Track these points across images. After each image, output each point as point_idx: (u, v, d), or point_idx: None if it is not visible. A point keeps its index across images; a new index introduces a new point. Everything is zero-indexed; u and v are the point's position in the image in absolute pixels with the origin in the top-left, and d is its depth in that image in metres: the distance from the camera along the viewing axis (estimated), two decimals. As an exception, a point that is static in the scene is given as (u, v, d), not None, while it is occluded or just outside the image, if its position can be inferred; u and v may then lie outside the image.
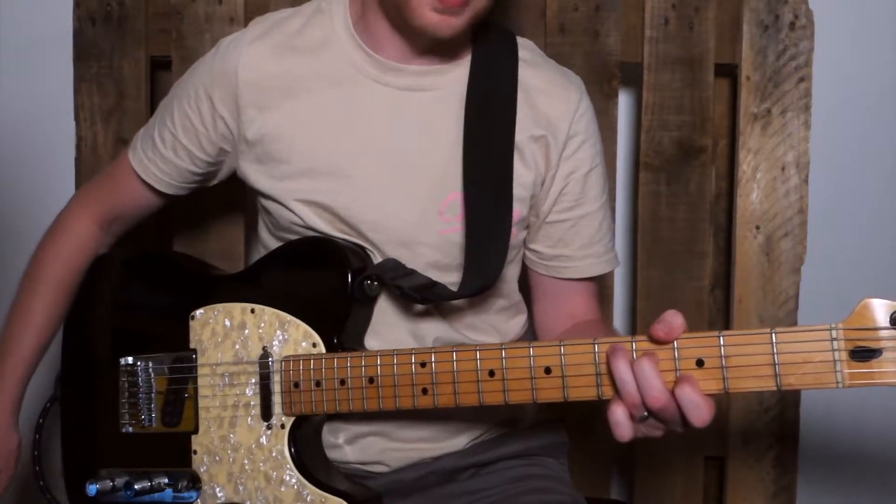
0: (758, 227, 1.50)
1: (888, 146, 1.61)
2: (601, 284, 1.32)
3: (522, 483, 1.18)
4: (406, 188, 1.12)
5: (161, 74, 1.58)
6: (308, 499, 1.07)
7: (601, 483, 1.57)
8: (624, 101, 1.62)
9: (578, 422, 1.56)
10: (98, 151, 1.51)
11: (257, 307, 1.12)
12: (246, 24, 1.48)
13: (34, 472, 1.30)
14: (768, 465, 1.53)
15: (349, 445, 1.16)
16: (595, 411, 1.56)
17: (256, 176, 1.16)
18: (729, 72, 1.55)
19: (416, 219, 1.12)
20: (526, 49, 1.19)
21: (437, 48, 1.12)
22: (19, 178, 1.64)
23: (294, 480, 1.08)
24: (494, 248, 1.10)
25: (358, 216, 1.12)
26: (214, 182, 1.26)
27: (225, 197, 1.48)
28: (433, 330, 1.15)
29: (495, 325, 1.21)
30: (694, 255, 1.51)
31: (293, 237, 1.16)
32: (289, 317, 1.10)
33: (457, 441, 1.19)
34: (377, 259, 1.14)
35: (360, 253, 1.13)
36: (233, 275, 1.22)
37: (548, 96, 1.16)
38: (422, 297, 1.08)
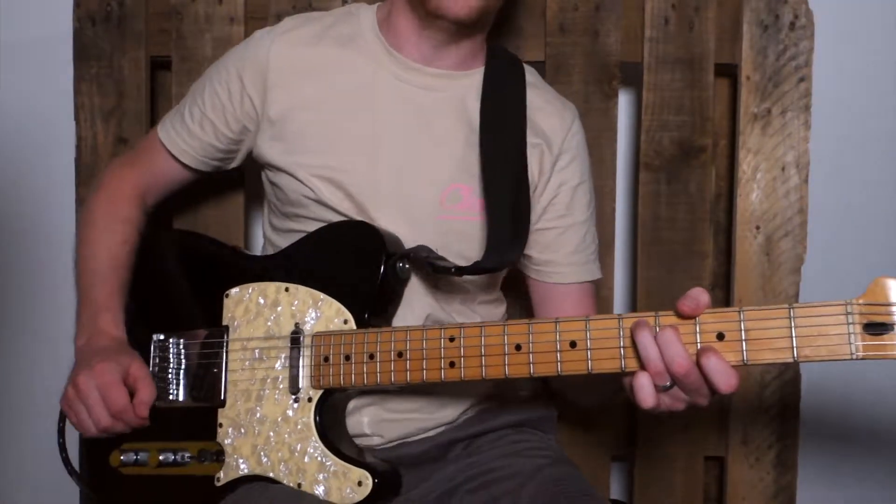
0: (758, 227, 1.51)
1: (888, 146, 1.61)
2: (600, 287, 1.37)
3: (514, 446, 1.25)
4: (411, 173, 1.21)
5: (161, 74, 1.58)
6: (332, 470, 1.10)
7: (601, 483, 1.57)
8: (624, 101, 1.63)
9: (578, 422, 1.57)
10: (98, 151, 1.51)
11: (292, 286, 1.18)
12: (246, 24, 1.50)
13: (58, 445, 1.30)
14: (768, 465, 1.53)
15: (347, 418, 1.20)
16: (596, 412, 1.56)
17: (272, 152, 1.23)
18: (729, 72, 1.55)
19: (419, 203, 1.21)
20: (530, 73, 1.32)
21: (455, 46, 1.22)
22: (19, 178, 1.64)
23: (318, 452, 1.11)
24: (514, 232, 1.19)
25: (366, 194, 1.20)
26: (233, 164, 1.33)
27: (226, 180, 1.49)
28: (426, 309, 1.21)
29: (479, 312, 1.30)
30: (694, 255, 1.51)
31: (300, 212, 1.23)
32: (322, 295, 1.16)
33: (448, 412, 1.25)
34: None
35: (394, 237, 1.19)
36: (268, 256, 1.28)
37: (545, 114, 1.28)
38: (456, 269, 1.14)
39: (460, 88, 1.24)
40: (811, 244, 1.51)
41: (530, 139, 1.25)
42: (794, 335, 0.87)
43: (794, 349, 0.87)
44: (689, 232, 1.51)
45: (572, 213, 1.28)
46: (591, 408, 1.55)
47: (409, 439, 1.23)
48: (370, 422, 1.20)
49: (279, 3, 1.50)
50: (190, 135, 1.28)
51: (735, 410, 1.53)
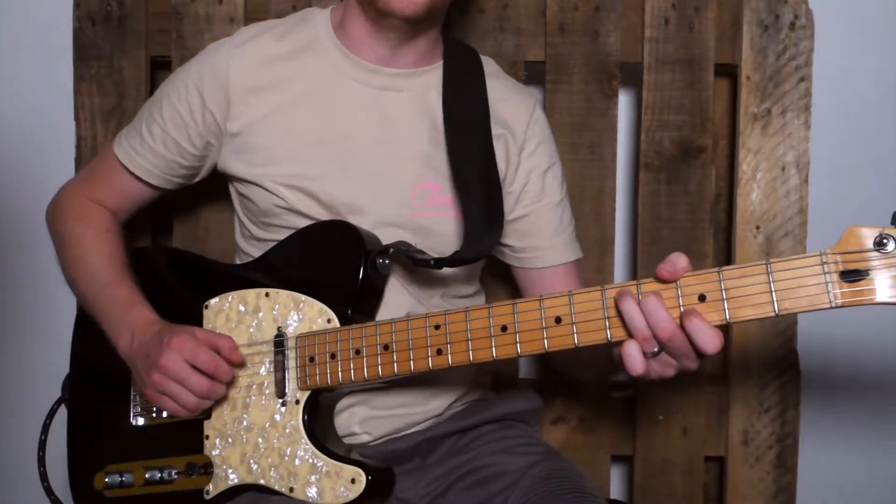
0: (758, 227, 1.50)
1: (888, 146, 1.61)
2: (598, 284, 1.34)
3: (503, 442, 1.25)
4: (378, 176, 1.22)
5: (161, 74, 1.58)
6: (323, 470, 1.09)
7: (601, 483, 1.56)
8: (624, 101, 1.63)
9: (578, 422, 1.57)
10: (98, 151, 1.51)
11: (272, 290, 1.17)
12: (246, 24, 1.49)
13: (39, 473, 1.30)
14: (768, 465, 1.53)
15: (335, 419, 1.20)
16: (596, 412, 1.56)
17: (237, 165, 1.23)
18: (729, 72, 1.55)
19: (388, 203, 1.22)
20: (487, 63, 1.33)
21: (409, 46, 1.23)
22: (19, 178, 1.64)
23: (309, 454, 1.10)
24: (489, 223, 1.20)
25: (337, 199, 1.20)
26: (198, 179, 1.32)
27: (223, 187, 1.48)
28: (406, 307, 1.21)
29: (459, 305, 1.29)
30: (694, 255, 1.50)
31: (273, 221, 1.22)
32: (303, 297, 1.15)
33: (434, 405, 1.26)
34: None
35: (372, 235, 1.19)
36: (245, 264, 1.26)
37: (506, 103, 1.29)
38: (435, 262, 1.15)
39: (420, 86, 1.25)
40: (811, 244, 1.51)
41: (494, 130, 1.26)
42: (773, 290, 0.88)
43: (775, 303, 0.88)
44: (689, 232, 1.51)
45: (545, 196, 1.30)
46: (596, 383, 1.54)
47: (397, 435, 1.23)
48: (358, 420, 1.20)
49: (279, 3, 1.50)
50: (153, 153, 1.26)
51: (735, 410, 1.53)
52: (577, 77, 1.50)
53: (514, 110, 1.29)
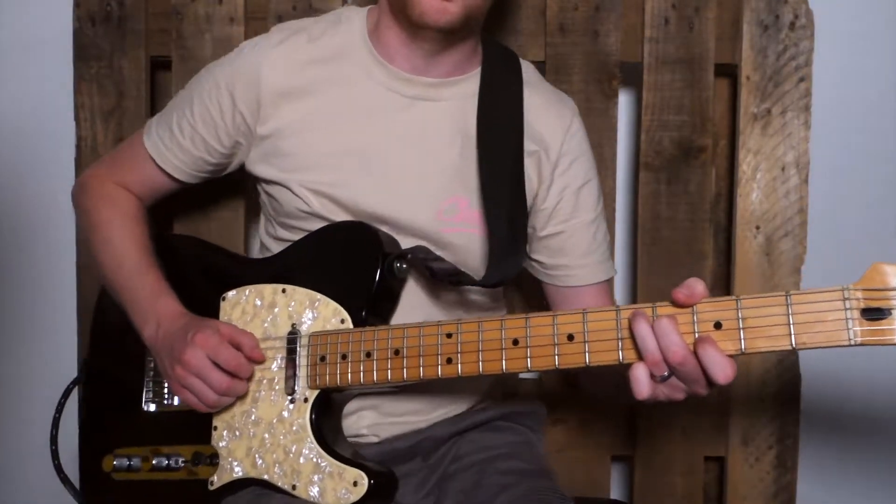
0: (758, 227, 1.50)
1: (888, 146, 1.61)
2: (612, 289, 1.35)
3: (494, 450, 1.23)
4: (407, 187, 1.19)
5: (161, 74, 1.58)
6: (326, 470, 1.10)
7: (601, 483, 1.57)
8: (624, 101, 1.62)
9: (579, 422, 1.57)
10: (98, 151, 1.51)
11: (289, 287, 1.17)
12: (246, 24, 1.50)
13: (50, 451, 1.30)
14: (768, 465, 1.53)
15: (343, 420, 1.20)
16: (596, 412, 1.56)
17: (265, 167, 1.22)
18: (729, 72, 1.55)
19: (415, 217, 1.19)
20: (527, 70, 1.29)
21: (444, 55, 1.20)
22: (19, 178, 1.64)
23: (313, 453, 1.11)
24: (514, 245, 1.18)
25: (362, 209, 1.19)
26: (224, 173, 1.31)
27: (226, 185, 1.49)
28: (423, 312, 1.20)
29: (480, 317, 1.25)
30: (694, 255, 1.51)
31: (297, 224, 1.22)
32: (319, 295, 1.15)
33: (441, 412, 1.26)
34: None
35: (392, 239, 1.18)
36: (264, 258, 1.27)
37: (542, 116, 1.25)
38: (450, 280, 1.14)
39: (456, 95, 1.22)
40: (811, 244, 1.51)
41: (528, 146, 1.23)
42: (791, 322, 0.87)
43: (792, 336, 0.87)
44: (689, 232, 1.51)
45: (578, 214, 1.26)
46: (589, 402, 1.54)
47: (401, 434, 1.23)
48: (367, 424, 1.21)
49: (279, 4, 1.50)
50: (181, 149, 1.25)
51: (735, 410, 1.53)
52: (577, 77, 1.50)
53: (550, 124, 1.25)
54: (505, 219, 1.18)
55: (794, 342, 0.87)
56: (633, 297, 1.56)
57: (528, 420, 1.33)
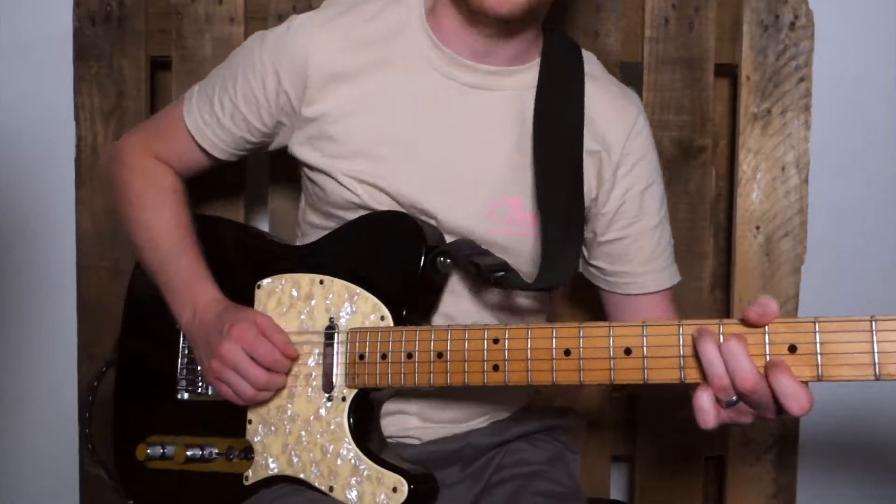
0: (758, 227, 1.50)
1: (888, 146, 1.61)
2: (674, 295, 1.29)
3: (531, 466, 1.19)
4: (457, 182, 1.13)
5: (161, 74, 1.58)
6: (365, 473, 1.06)
7: (601, 483, 1.57)
8: (624, 101, 1.62)
9: (578, 422, 1.57)
10: (98, 151, 1.51)
11: (326, 278, 1.13)
12: (246, 24, 1.49)
13: (83, 435, 1.29)
14: (768, 465, 1.53)
15: (385, 419, 1.17)
16: (596, 412, 1.56)
17: (310, 153, 1.16)
18: (729, 72, 1.55)
19: (463, 214, 1.14)
20: (590, 63, 1.21)
21: (504, 43, 1.13)
22: (19, 178, 1.64)
23: (352, 455, 1.07)
24: (567, 249, 1.12)
25: (408, 200, 1.13)
26: (264, 152, 1.26)
27: (227, 179, 1.49)
28: (462, 309, 1.16)
29: (526, 321, 1.22)
30: (694, 255, 1.51)
31: (343, 214, 1.16)
32: (358, 289, 1.10)
33: (484, 418, 1.22)
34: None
35: (436, 231, 1.13)
36: (303, 246, 1.21)
37: (605, 113, 1.18)
38: (494, 280, 1.07)
39: (514, 86, 1.15)
40: (811, 244, 1.51)
41: (588, 145, 1.16)
42: (875, 350, 0.80)
43: (877, 366, 0.80)
44: (689, 232, 1.51)
45: (642, 218, 1.19)
46: (589, 402, 1.54)
47: (443, 437, 1.20)
48: (409, 427, 1.18)
49: (279, 3, 1.50)
50: (221, 127, 1.19)
51: (735, 410, 1.53)
52: (577, 77, 1.50)
53: (613, 122, 1.17)
54: (560, 221, 1.11)
55: (878, 372, 0.80)
56: (633, 297, 1.56)
57: (566, 436, 1.29)
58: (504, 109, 1.15)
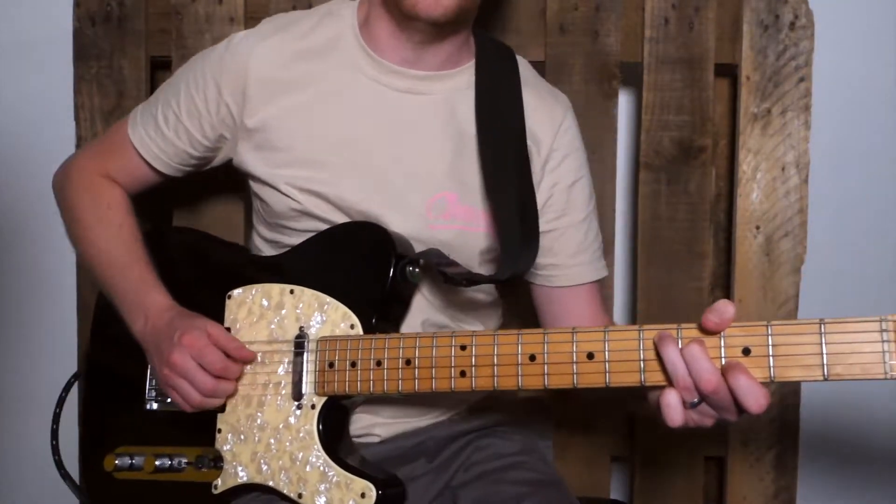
0: (758, 227, 1.50)
1: (888, 146, 1.61)
2: (603, 289, 1.33)
3: (501, 461, 1.21)
4: (395, 184, 1.18)
5: (161, 74, 1.58)
6: (333, 480, 1.07)
7: (601, 483, 1.57)
8: (624, 101, 1.63)
9: (578, 422, 1.56)
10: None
11: (297, 288, 1.15)
12: (246, 24, 1.50)
13: (51, 447, 1.30)
14: (768, 465, 1.53)
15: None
16: (596, 412, 1.56)
17: (254, 163, 1.21)
18: (729, 72, 1.55)
19: (404, 214, 1.17)
20: (522, 66, 1.27)
21: (436, 48, 1.17)
22: (19, 178, 1.64)
23: (321, 461, 1.08)
24: (526, 239, 1.15)
25: (347, 204, 1.17)
26: (208, 168, 1.29)
27: (225, 182, 1.49)
28: (419, 309, 1.19)
29: (478, 314, 1.28)
30: (694, 255, 1.51)
31: (288, 224, 1.20)
32: (328, 298, 1.12)
33: (441, 410, 1.25)
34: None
35: (405, 241, 1.15)
36: (273, 256, 1.24)
37: (535, 112, 1.23)
38: (467, 280, 1.11)
39: (447, 89, 1.20)
40: (811, 244, 1.51)
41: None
42: (824, 352, 0.83)
43: (825, 367, 0.83)
44: (689, 232, 1.51)
45: (569, 212, 1.24)
46: (589, 402, 1.54)
47: (404, 433, 1.23)
48: (366, 425, 1.20)
49: (279, 3, 1.50)
50: (164, 140, 1.24)
51: (735, 410, 1.53)
52: (577, 77, 1.50)
53: (542, 120, 1.23)
54: (516, 213, 1.15)
55: (826, 373, 0.83)
56: (633, 297, 1.56)
57: (536, 427, 1.32)
58: (436, 112, 1.19)
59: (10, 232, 1.66)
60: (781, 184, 1.50)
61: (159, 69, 1.57)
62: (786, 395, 1.52)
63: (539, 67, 1.50)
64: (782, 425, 1.52)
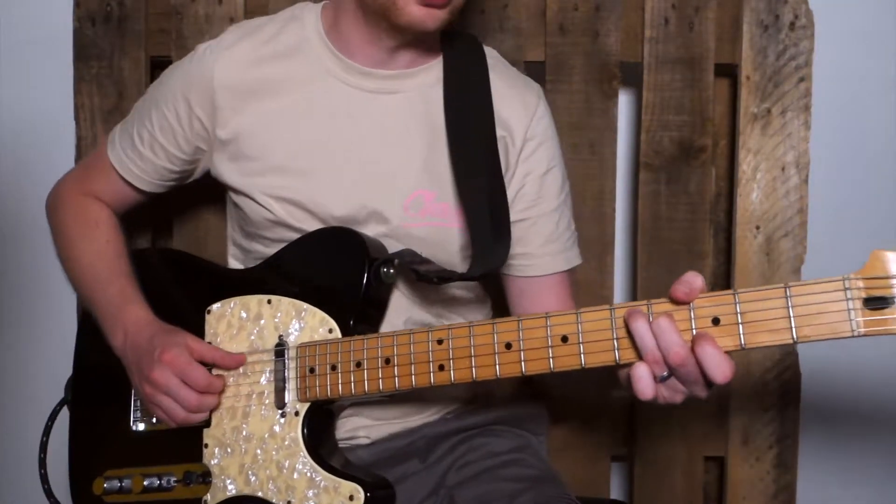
0: (758, 227, 1.51)
1: (888, 146, 1.61)
2: (600, 287, 1.32)
3: (501, 456, 1.21)
4: (371, 184, 1.17)
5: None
6: (321, 485, 1.08)
7: (601, 483, 1.57)
8: (624, 101, 1.62)
9: (578, 422, 1.57)
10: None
11: (274, 297, 1.15)
12: (246, 25, 1.49)
13: (40, 475, 1.30)
14: (768, 465, 1.53)
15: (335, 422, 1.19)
16: (596, 412, 1.56)
17: (229, 173, 1.21)
18: (729, 72, 1.55)
19: (380, 214, 1.17)
20: (491, 55, 1.25)
21: (409, 49, 1.17)
22: (19, 178, 1.64)
23: (307, 467, 1.09)
24: (497, 234, 1.14)
25: (327, 212, 1.17)
26: (190, 180, 1.30)
27: (211, 194, 1.48)
28: (404, 310, 1.19)
29: (463, 311, 1.28)
30: (694, 255, 1.51)
31: (264, 233, 1.20)
32: (305, 305, 1.12)
33: (433, 411, 1.26)
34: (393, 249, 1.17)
35: (377, 243, 1.16)
36: (249, 269, 1.24)
37: (507, 101, 1.22)
38: (439, 278, 1.11)
39: (417, 86, 1.19)
40: (811, 244, 1.51)
41: (496, 131, 1.19)
42: (791, 315, 0.84)
43: (793, 329, 0.84)
44: (689, 232, 1.51)
45: (541, 202, 1.23)
46: (589, 402, 1.54)
47: (394, 434, 1.23)
48: (357, 427, 1.20)
49: (279, 3, 1.50)
50: (142, 159, 1.24)
51: (735, 410, 1.53)
52: (577, 77, 1.50)
53: (515, 109, 1.22)
54: (486, 209, 1.14)
55: (795, 335, 0.84)
56: (633, 297, 1.56)
57: (531, 424, 1.32)
58: (409, 109, 1.18)
59: (11, 232, 1.66)
60: (781, 184, 1.50)
61: (159, 69, 1.56)
62: (786, 395, 1.52)
63: (539, 67, 1.51)
64: (782, 425, 1.53)
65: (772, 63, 1.49)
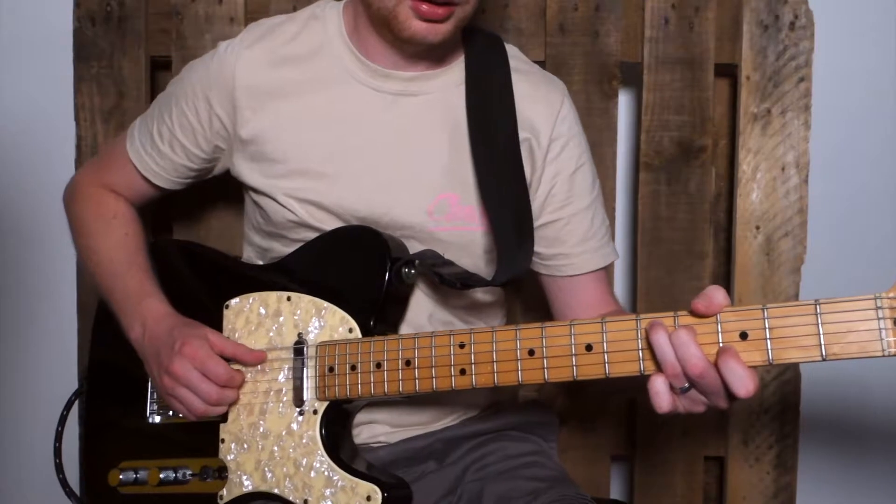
0: (758, 227, 1.51)
1: (888, 146, 1.61)
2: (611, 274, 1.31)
3: (513, 461, 1.21)
4: (395, 188, 1.16)
5: (161, 74, 1.58)
6: (339, 484, 1.07)
7: (601, 483, 1.57)
8: (624, 101, 1.62)
9: (579, 423, 1.57)
10: (98, 151, 1.51)
11: (294, 295, 1.14)
12: (246, 25, 1.49)
13: (55, 465, 1.30)
14: (768, 465, 1.53)
15: (354, 428, 1.18)
16: (596, 412, 1.56)
17: (250, 174, 1.20)
18: (729, 72, 1.55)
19: (405, 217, 1.16)
20: (513, 55, 1.24)
21: (427, 54, 1.16)
22: (19, 178, 1.64)
23: (325, 466, 1.08)
24: (521, 239, 1.14)
25: (350, 214, 1.16)
26: (208, 177, 1.29)
27: (225, 189, 1.48)
28: (425, 310, 1.19)
29: (482, 313, 1.27)
30: (694, 255, 1.51)
31: (285, 233, 1.19)
32: (325, 303, 1.12)
33: (453, 417, 1.25)
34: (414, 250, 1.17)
35: (399, 242, 1.15)
36: (269, 265, 1.23)
37: (531, 101, 1.20)
38: (461, 283, 1.10)
39: (440, 87, 1.18)
40: (811, 244, 1.51)
41: (519, 133, 1.18)
42: (821, 332, 0.83)
43: (822, 347, 0.83)
44: (689, 232, 1.51)
45: (573, 200, 1.21)
46: (589, 402, 1.54)
47: (414, 436, 1.22)
48: (373, 434, 1.19)
49: (279, 3, 1.50)
50: (161, 156, 1.24)
51: (735, 411, 1.53)
52: (577, 77, 1.50)
53: (539, 109, 1.20)
54: (509, 213, 1.13)
55: (824, 353, 0.83)
56: (634, 297, 1.56)
57: (542, 430, 1.31)
58: (433, 111, 1.17)
59: (11, 232, 1.66)
60: (781, 184, 1.50)
61: (159, 69, 1.57)
62: (786, 395, 1.52)
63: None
64: (782, 425, 1.52)
65: (772, 63, 1.49)
